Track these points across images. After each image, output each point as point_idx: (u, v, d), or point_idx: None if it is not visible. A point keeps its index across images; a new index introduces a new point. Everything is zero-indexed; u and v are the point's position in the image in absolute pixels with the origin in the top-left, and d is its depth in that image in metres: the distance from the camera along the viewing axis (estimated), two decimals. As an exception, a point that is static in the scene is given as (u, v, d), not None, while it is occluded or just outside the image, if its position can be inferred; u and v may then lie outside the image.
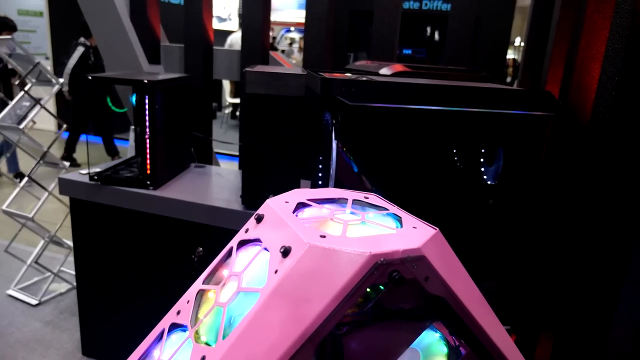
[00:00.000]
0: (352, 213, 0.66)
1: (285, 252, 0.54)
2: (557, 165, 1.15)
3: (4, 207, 2.62)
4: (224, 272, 0.64)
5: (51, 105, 6.07)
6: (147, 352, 0.65)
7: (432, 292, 0.56)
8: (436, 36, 6.03)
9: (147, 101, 1.90)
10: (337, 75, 1.01)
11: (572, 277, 1.04)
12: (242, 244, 0.65)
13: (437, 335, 0.78)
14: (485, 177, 1.08)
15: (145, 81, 1.88)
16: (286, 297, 0.52)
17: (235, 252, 0.64)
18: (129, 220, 2.03)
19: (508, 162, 1.05)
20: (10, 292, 2.72)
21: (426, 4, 5.41)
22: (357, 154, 0.96)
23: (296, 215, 0.63)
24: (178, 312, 0.65)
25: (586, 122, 0.97)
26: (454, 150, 1.01)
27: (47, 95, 2.62)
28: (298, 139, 1.68)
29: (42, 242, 2.75)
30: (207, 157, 2.51)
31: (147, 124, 1.93)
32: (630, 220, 0.92)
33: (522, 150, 1.06)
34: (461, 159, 1.02)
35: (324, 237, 0.55)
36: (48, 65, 6.08)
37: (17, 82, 2.43)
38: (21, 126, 2.45)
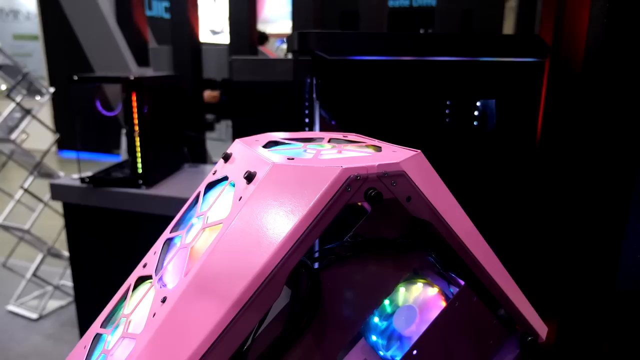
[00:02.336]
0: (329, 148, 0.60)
1: (249, 177, 0.49)
2: (556, 115, 1.09)
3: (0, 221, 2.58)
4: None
5: (49, 121, 6.07)
6: (114, 311, 0.60)
7: (416, 214, 0.50)
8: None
9: (134, 98, 1.87)
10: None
11: (575, 228, 0.98)
12: (211, 186, 0.59)
13: (435, 290, 0.73)
14: (479, 131, 1.02)
15: (132, 78, 1.85)
16: (251, 223, 0.47)
17: (203, 195, 0.59)
18: (123, 222, 1.98)
19: (504, 116, 1.00)
20: (10, 307, 2.67)
21: (416, 0, 5.39)
22: (340, 113, 0.91)
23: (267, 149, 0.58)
24: (144, 266, 0.59)
25: (580, 64, 0.92)
26: (447, 103, 0.96)
27: (39, 106, 2.60)
28: (288, 122, 1.64)
29: (40, 256, 2.71)
30: (201, 157, 2.47)
31: (136, 121, 1.90)
32: (630, 157, 0.86)
33: (518, 103, 1.01)
34: (453, 114, 0.97)
35: (292, 159, 0.50)
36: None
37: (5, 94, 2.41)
38: (12, 137, 2.42)
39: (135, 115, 1.89)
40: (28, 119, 2.52)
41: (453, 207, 0.53)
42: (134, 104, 1.87)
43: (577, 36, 0.95)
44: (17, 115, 2.53)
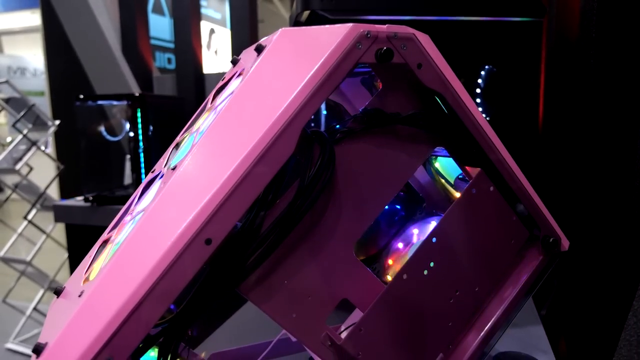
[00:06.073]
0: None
1: (259, 48, 0.49)
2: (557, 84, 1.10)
3: (0, 254, 2.54)
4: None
5: (52, 169, 6.13)
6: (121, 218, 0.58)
7: (427, 83, 0.50)
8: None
9: (139, 114, 1.90)
10: None
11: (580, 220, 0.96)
12: (220, 90, 0.59)
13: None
14: (482, 102, 1.03)
15: (137, 94, 1.89)
16: (262, 80, 0.46)
17: (212, 98, 0.59)
18: (126, 240, 1.96)
19: (503, 79, 1.01)
20: (10, 345, 2.58)
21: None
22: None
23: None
24: (153, 171, 0.58)
25: (577, 24, 0.94)
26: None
27: (44, 138, 2.64)
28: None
29: (41, 291, 2.64)
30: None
31: (140, 137, 1.92)
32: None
33: (517, 65, 1.02)
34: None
35: (301, 33, 0.50)
36: (50, 138, 6.19)
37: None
38: (17, 167, 2.44)
39: (140, 131, 1.91)
40: (33, 150, 2.54)
41: (462, 88, 0.53)
42: (139, 119, 1.90)
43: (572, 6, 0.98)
44: (23, 147, 2.56)
